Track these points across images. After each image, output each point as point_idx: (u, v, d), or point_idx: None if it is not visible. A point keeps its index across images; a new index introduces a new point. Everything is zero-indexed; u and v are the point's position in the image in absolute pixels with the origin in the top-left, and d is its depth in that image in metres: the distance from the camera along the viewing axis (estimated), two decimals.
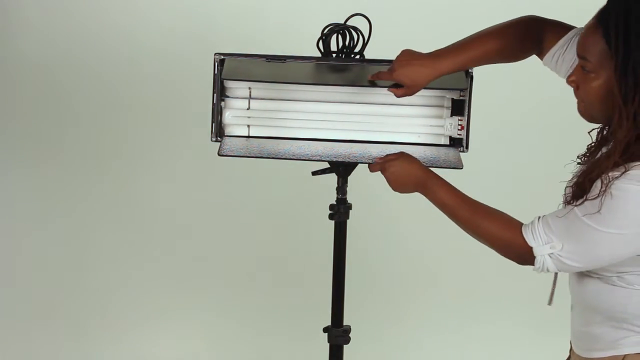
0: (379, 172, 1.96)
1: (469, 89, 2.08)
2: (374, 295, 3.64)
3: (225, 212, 3.68)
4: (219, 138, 2.13)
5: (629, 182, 1.58)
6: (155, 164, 3.65)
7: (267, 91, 2.14)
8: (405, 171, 1.90)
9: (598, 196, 1.60)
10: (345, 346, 2.27)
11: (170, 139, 3.63)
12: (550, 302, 1.90)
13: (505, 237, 1.73)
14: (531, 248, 1.69)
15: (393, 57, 2.03)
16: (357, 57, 2.15)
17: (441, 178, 1.87)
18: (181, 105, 3.58)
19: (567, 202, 1.71)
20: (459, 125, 2.11)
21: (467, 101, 2.08)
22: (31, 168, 3.64)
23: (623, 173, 1.59)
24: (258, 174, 3.62)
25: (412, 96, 2.05)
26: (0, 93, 3.60)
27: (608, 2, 1.62)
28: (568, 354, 1.90)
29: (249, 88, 2.14)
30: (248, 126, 2.15)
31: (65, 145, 3.63)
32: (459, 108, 2.11)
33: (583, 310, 1.79)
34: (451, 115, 2.13)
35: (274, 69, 2.12)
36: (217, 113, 2.11)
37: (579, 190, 1.68)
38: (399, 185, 1.92)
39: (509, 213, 1.80)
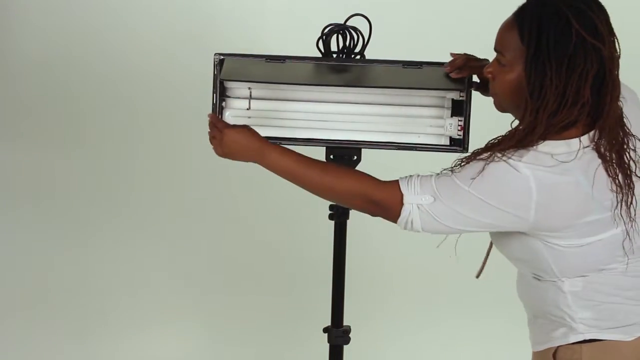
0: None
1: (467, 90, 2.08)
2: (374, 295, 3.64)
3: (225, 212, 3.68)
4: None
5: (517, 160, 1.65)
6: (156, 164, 3.65)
7: (268, 91, 2.14)
8: (243, 139, 1.87)
9: (482, 162, 1.67)
10: (345, 346, 2.27)
11: (170, 138, 3.63)
12: (478, 275, 2.02)
13: (364, 188, 1.75)
14: (400, 197, 1.71)
15: (393, 57, 2.08)
16: (357, 57, 2.15)
17: (280, 146, 1.86)
18: (181, 104, 3.58)
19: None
20: (458, 125, 2.11)
21: (467, 102, 2.08)
22: (31, 168, 3.64)
23: (515, 152, 1.66)
24: (258, 174, 3.61)
25: (413, 97, 2.10)
26: (0, 91, 3.61)
27: (527, 1, 1.69)
28: None
29: (249, 88, 2.14)
30: None
31: (65, 145, 3.63)
32: (459, 109, 2.12)
33: (525, 308, 1.89)
34: (451, 116, 2.13)
35: (273, 69, 2.12)
36: (217, 113, 2.12)
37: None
38: (231, 152, 1.89)
39: None
